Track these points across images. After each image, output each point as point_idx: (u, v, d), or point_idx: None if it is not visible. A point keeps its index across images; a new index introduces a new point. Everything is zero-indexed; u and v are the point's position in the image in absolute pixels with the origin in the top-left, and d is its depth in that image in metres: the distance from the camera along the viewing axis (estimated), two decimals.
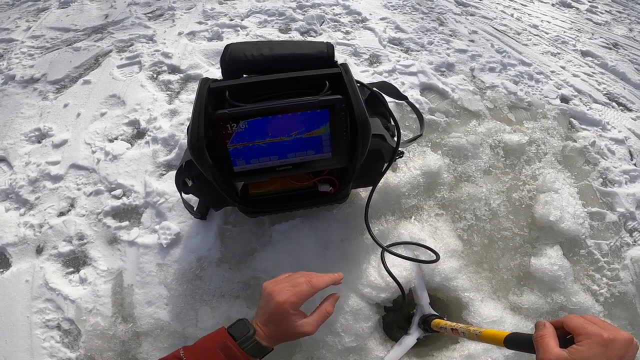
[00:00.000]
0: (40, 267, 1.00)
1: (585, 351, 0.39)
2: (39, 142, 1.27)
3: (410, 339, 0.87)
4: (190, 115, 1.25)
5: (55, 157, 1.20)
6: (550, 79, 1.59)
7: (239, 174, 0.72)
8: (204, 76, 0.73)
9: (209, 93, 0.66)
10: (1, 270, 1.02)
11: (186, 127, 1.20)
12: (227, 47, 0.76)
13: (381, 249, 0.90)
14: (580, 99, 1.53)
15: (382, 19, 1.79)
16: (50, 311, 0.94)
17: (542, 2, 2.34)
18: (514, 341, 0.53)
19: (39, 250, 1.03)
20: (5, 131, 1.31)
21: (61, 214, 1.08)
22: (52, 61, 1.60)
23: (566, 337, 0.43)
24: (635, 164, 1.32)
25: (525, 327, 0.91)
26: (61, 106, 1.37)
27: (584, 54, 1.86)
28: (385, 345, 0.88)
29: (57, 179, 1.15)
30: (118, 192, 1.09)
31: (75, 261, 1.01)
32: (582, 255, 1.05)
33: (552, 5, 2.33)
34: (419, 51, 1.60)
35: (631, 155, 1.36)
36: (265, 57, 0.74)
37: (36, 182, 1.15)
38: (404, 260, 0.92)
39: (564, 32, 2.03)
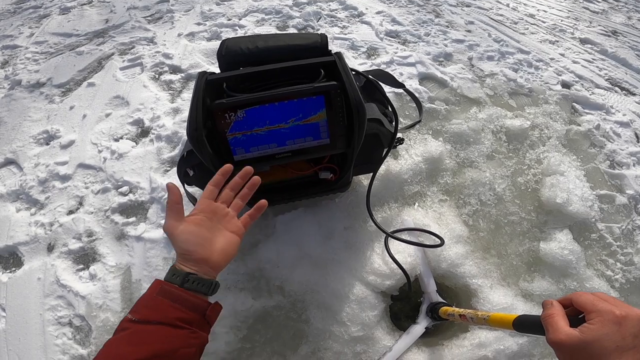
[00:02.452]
0: (51, 264, 1.01)
1: (597, 329, 0.36)
2: (47, 143, 1.29)
3: (418, 328, 0.85)
4: None
5: (63, 158, 1.22)
6: (550, 66, 1.56)
7: (239, 163, 0.72)
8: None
9: (206, 85, 0.67)
10: (14, 268, 1.04)
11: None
12: (224, 41, 0.77)
13: (385, 235, 0.89)
14: (582, 84, 1.50)
15: (378, 12, 1.79)
16: (62, 308, 0.95)
17: None
18: (522, 323, 0.51)
19: (50, 248, 1.05)
20: (14, 134, 1.33)
21: (70, 212, 1.10)
22: (56, 65, 1.63)
23: (577, 316, 0.40)
24: None
25: (538, 314, 0.89)
26: (67, 108, 1.39)
27: (583, 41, 1.83)
28: (392, 334, 0.86)
29: (65, 178, 1.16)
30: (124, 189, 1.10)
31: (85, 258, 1.02)
32: (594, 239, 1.03)
33: None
34: (416, 42, 1.60)
35: (637, 137, 1.32)
36: (260, 49, 0.75)
37: (45, 182, 1.17)
38: (409, 246, 0.91)
39: (561, 20, 1.99)
